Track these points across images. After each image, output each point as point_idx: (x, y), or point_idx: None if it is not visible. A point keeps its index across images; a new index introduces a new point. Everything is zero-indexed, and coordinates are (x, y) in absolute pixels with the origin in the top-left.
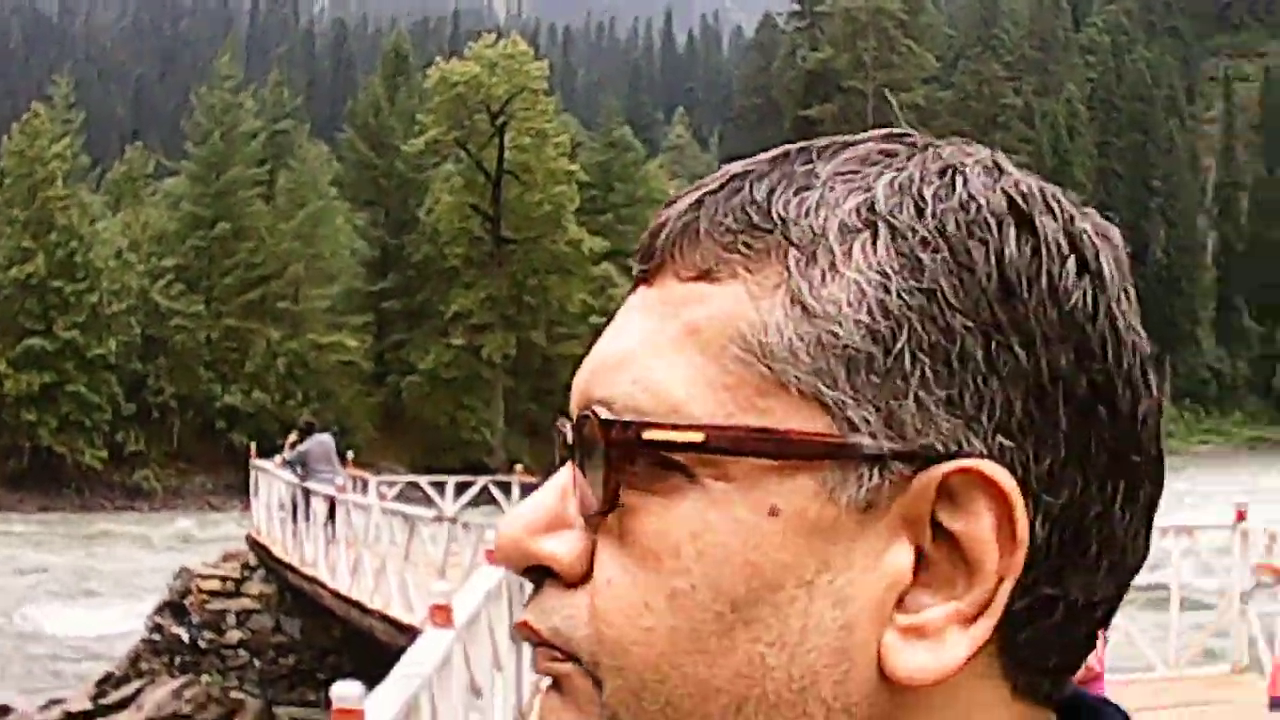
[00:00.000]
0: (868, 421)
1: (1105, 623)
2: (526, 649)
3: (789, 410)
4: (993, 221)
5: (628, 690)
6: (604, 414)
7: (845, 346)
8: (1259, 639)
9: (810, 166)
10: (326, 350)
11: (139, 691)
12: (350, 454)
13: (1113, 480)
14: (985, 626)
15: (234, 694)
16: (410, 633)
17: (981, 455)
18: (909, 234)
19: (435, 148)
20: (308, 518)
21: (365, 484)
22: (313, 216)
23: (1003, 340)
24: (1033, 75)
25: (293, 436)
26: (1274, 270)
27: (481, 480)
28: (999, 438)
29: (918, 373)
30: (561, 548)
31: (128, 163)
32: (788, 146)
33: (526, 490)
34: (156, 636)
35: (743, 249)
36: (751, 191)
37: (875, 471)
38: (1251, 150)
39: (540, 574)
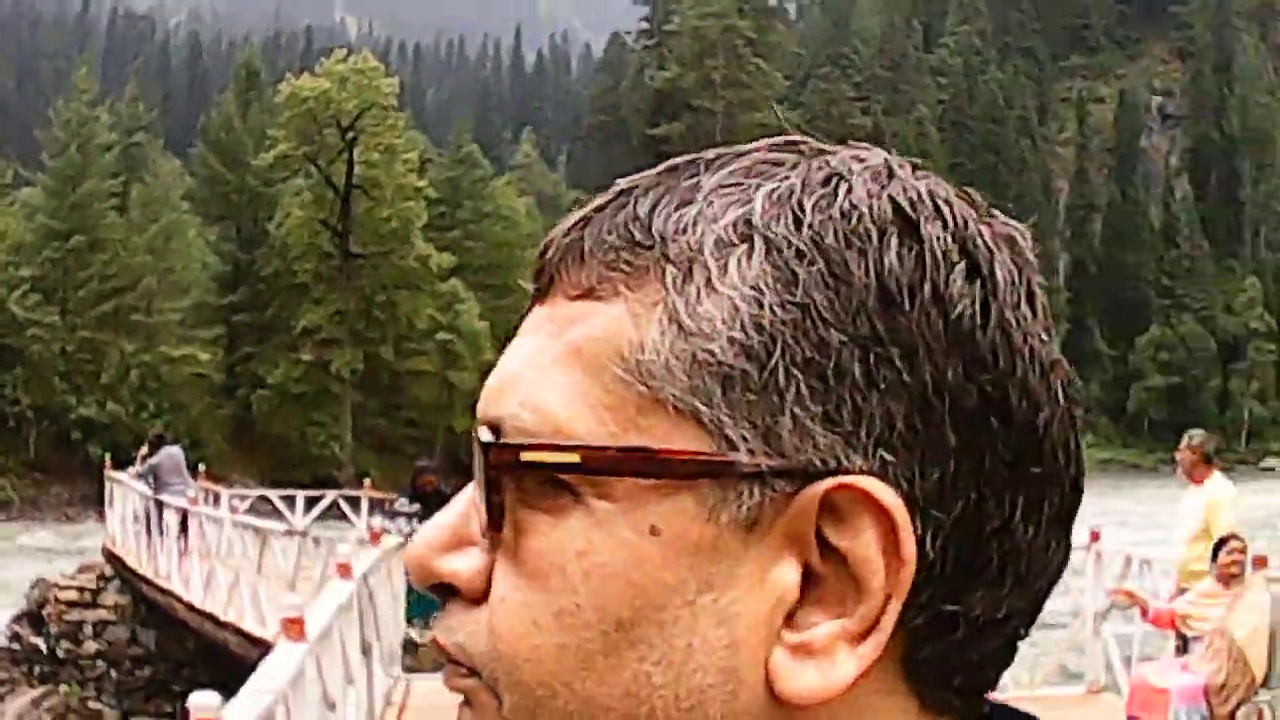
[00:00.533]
0: (745, 439)
1: (1019, 637)
2: (377, 662)
3: (669, 429)
4: (873, 230)
5: (523, 707)
6: (483, 435)
7: (720, 364)
8: (1115, 660)
9: (695, 180)
10: (179, 363)
11: None
12: (201, 467)
13: (1011, 493)
14: (874, 644)
15: (92, 704)
16: (263, 646)
17: (862, 471)
18: (784, 247)
19: (285, 163)
20: (161, 530)
21: (217, 497)
22: (165, 230)
23: (882, 353)
24: (883, 95)
25: (144, 449)
26: (1126, 293)
27: (331, 495)
28: (880, 452)
29: (793, 389)
30: (463, 566)
31: None
32: (677, 159)
33: (375, 505)
34: (15, 646)
35: (624, 267)
36: (635, 207)
37: (755, 489)
38: (1104, 172)
39: (446, 591)
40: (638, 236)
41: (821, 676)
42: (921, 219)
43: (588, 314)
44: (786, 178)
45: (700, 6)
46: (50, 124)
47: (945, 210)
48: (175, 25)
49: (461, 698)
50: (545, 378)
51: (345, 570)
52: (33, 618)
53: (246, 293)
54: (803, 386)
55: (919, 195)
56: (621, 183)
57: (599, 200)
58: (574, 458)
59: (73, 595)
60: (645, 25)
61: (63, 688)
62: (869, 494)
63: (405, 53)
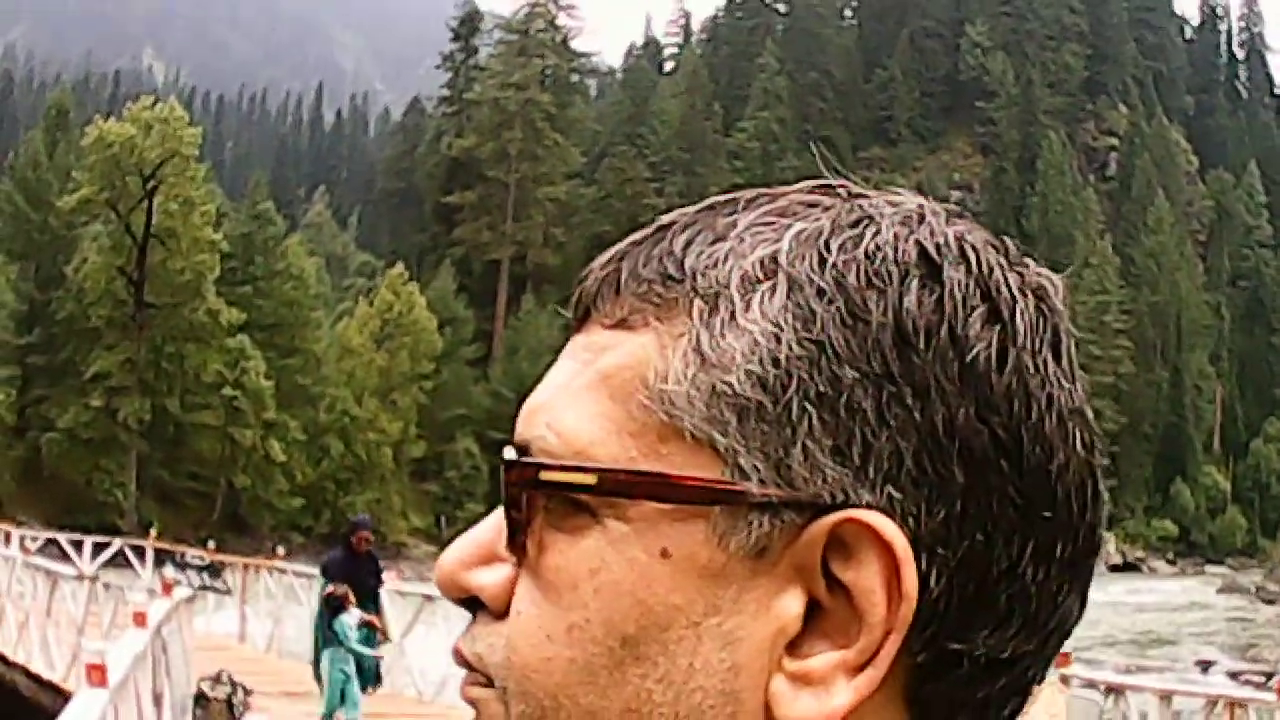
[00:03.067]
0: (757, 469)
1: (1031, 680)
2: (167, 712)
3: (686, 457)
4: (895, 272)
5: (529, 716)
6: (509, 454)
7: (737, 395)
8: None
9: (732, 218)
10: None
11: None
12: None
13: (1021, 536)
14: (870, 677)
15: None
16: (51, 689)
17: (870, 506)
18: (806, 285)
19: (87, 206)
20: None
21: (8, 536)
22: None
23: (895, 391)
24: (678, 176)
25: None
26: None
27: (118, 542)
28: (888, 489)
29: (805, 422)
30: (489, 580)
31: None
32: (717, 198)
33: (163, 556)
34: None
35: (655, 299)
36: (671, 243)
37: (765, 519)
38: None
39: (474, 604)
40: (670, 271)
41: (818, 705)
42: (945, 263)
43: (619, 343)
44: (818, 219)
45: (502, 77)
46: None
47: (971, 256)
48: None
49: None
50: (574, 402)
51: (141, 619)
52: None
53: (41, 334)
54: (814, 420)
55: (946, 240)
56: (663, 219)
57: (637, 235)
58: (590, 479)
59: None
60: (446, 93)
61: None
62: (874, 529)
63: (209, 103)
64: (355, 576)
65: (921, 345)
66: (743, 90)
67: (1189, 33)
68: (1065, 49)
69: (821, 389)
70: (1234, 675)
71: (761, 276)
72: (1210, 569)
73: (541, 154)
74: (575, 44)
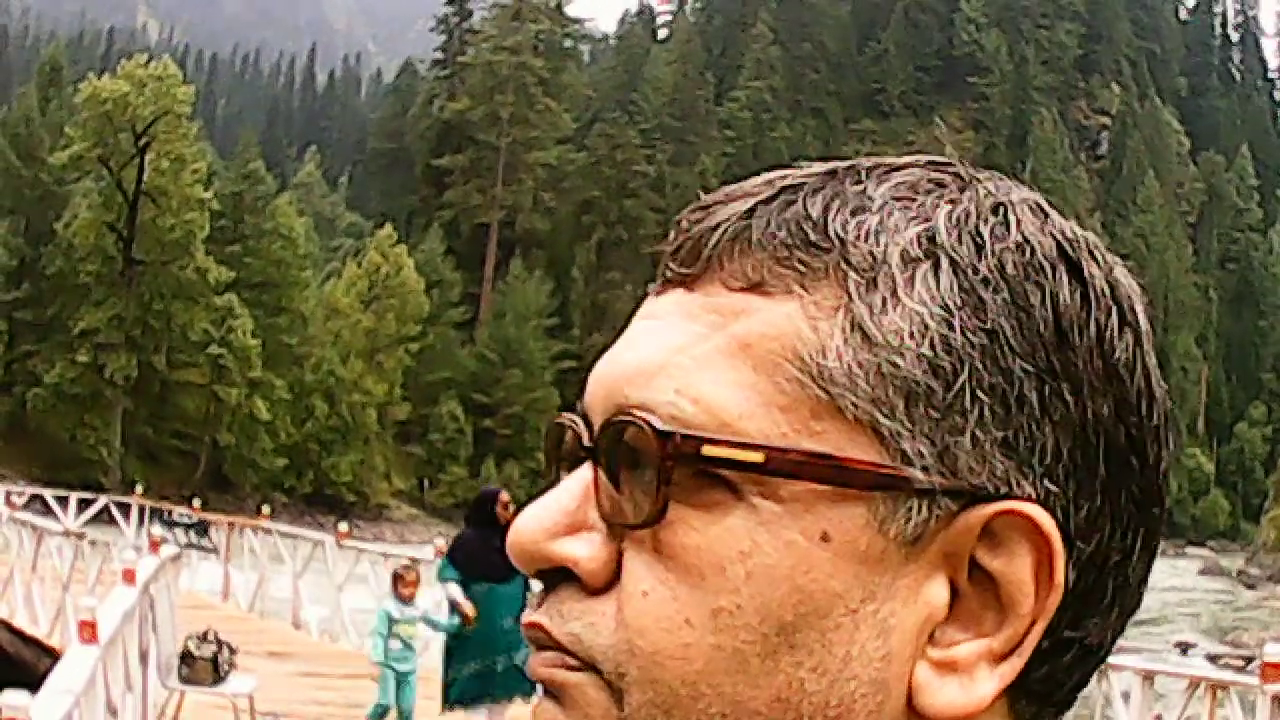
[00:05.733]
0: (922, 455)
1: (1103, 661)
2: (153, 671)
3: (842, 436)
4: (1047, 266)
5: (656, 706)
6: (658, 423)
7: (905, 378)
8: None
9: (861, 187)
10: None
11: None
12: None
13: (1134, 530)
14: (1014, 666)
15: None
16: (34, 645)
17: (1029, 499)
18: (970, 271)
19: (79, 163)
20: None
21: None
22: None
23: (1055, 386)
24: (669, 144)
25: None
26: None
27: (103, 499)
28: (1046, 482)
29: (976, 412)
30: (585, 552)
31: None
32: (834, 163)
33: (151, 513)
34: None
35: (798, 265)
36: (806, 206)
37: (925, 505)
38: None
39: (555, 576)
40: (813, 237)
41: (964, 694)
42: (1082, 260)
43: (755, 308)
44: (958, 200)
45: (495, 41)
46: None
47: (1096, 254)
48: None
49: (542, 691)
50: (708, 369)
51: (130, 576)
52: None
53: (30, 289)
54: (986, 411)
55: (1075, 236)
56: (780, 178)
57: (760, 194)
58: (758, 457)
59: None
60: (440, 55)
61: None
62: (1033, 520)
63: (202, 62)
64: (491, 559)
65: (1076, 341)
66: (735, 59)
67: (1184, 14)
68: (1059, 27)
69: (994, 380)
70: (1213, 659)
71: (921, 255)
72: (1192, 551)
73: (533, 119)
74: (569, 10)
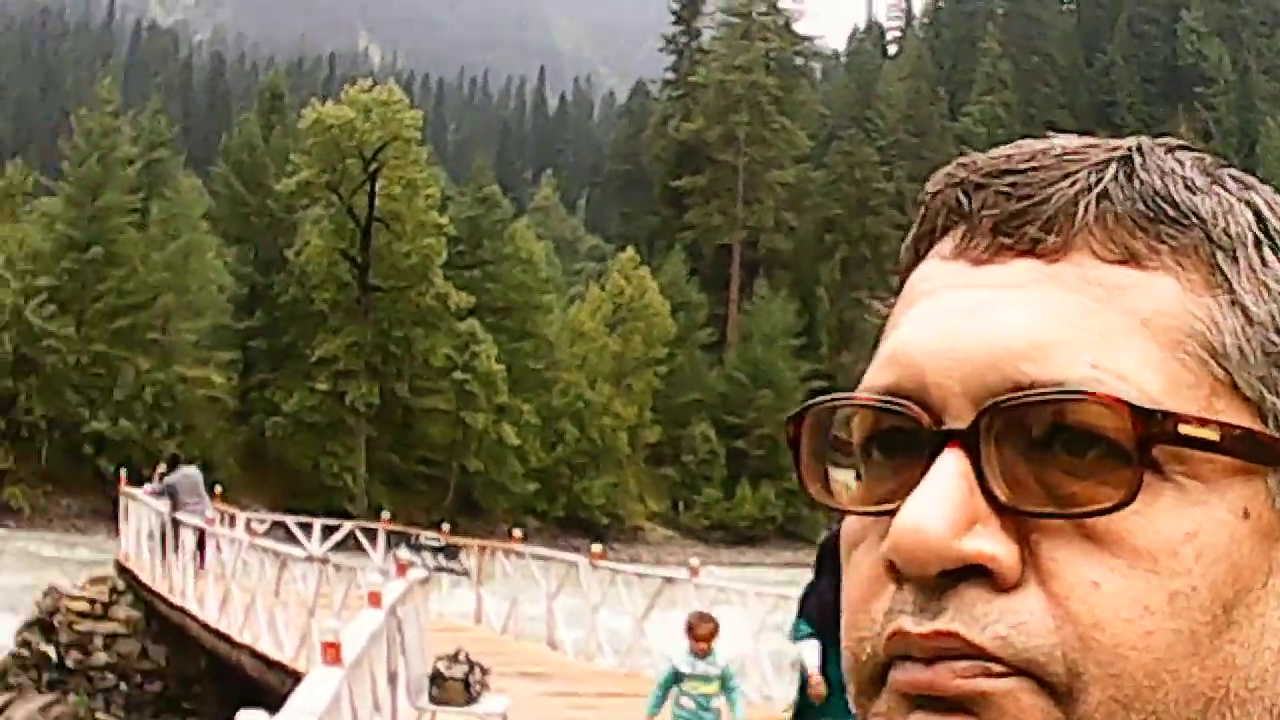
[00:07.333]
0: None
1: None
2: (403, 692)
3: (1235, 413)
4: None
5: (1117, 701)
6: (1136, 400)
7: None
8: None
9: (1161, 164)
10: (193, 384)
11: (6, 705)
12: (217, 488)
13: None
14: None
15: (100, 715)
16: (278, 669)
17: None
18: None
19: (307, 189)
20: (176, 548)
21: (233, 518)
22: (184, 248)
23: None
24: (906, 161)
25: (161, 468)
26: None
27: (348, 525)
28: None
29: None
30: (998, 548)
31: (7, 179)
32: (1089, 140)
33: (396, 538)
34: (25, 652)
35: (1170, 239)
36: (1150, 180)
37: None
38: None
39: (949, 578)
40: (1171, 213)
41: None
42: None
43: (1139, 283)
44: (1252, 185)
45: (726, 60)
46: (71, 132)
47: None
48: (199, 42)
49: (923, 704)
50: (1118, 345)
51: (376, 599)
52: (43, 625)
53: (263, 317)
54: None
55: None
56: (1092, 149)
57: (1087, 157)
58: (1215, 434)
59: (84, 606)
60: (671, 75)
61: (71, 697)
62: None
63: (429, 86)
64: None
65: None
66: (966, 74)
67: None
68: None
69: None
70: None
71: (1260, 235)
72: None
73: (769, 137)
74: (797, 27)
